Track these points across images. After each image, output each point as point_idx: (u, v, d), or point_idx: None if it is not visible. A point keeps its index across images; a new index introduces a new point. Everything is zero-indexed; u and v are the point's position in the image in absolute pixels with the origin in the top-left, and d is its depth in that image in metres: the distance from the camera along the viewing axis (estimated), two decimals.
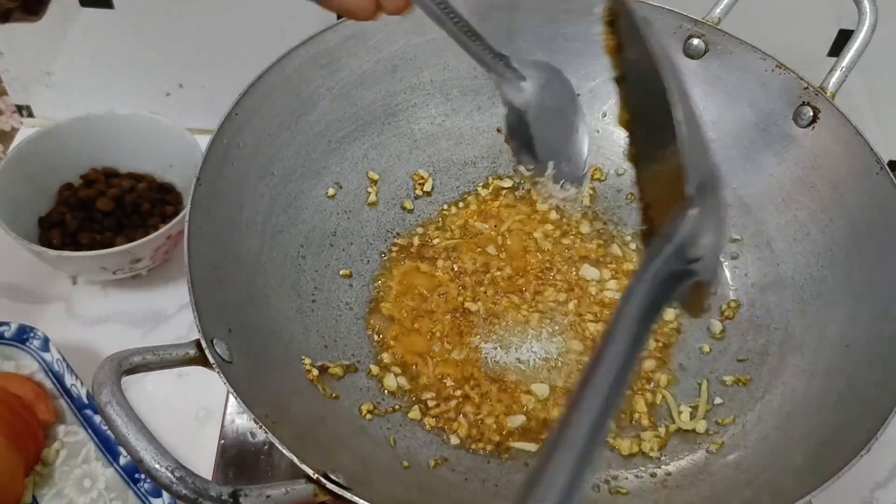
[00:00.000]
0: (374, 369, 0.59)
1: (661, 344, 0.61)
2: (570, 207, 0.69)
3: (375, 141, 0.68)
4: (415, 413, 0.57)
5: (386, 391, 0.58)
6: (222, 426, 0.62)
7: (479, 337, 0.60)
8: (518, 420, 0.57)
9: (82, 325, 0.70)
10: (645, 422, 0.58)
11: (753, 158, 0.65)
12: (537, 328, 0.61)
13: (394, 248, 0.66)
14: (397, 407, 0.57)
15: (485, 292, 0.63)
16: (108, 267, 0.67)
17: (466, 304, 0.62)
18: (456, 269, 0.64)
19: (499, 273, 0.64)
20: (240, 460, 0.61)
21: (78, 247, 0.69)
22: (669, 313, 0.63)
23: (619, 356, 0.34)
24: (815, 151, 0.61)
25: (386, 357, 0.60)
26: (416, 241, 0.66)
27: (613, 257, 0.66)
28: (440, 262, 0.65)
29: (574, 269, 0.65)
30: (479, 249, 0.65)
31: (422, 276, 0.64)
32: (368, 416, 0.56)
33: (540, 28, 0.67)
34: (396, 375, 0.58)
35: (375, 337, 0.61)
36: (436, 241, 0.66)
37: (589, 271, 0.64)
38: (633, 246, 0.67)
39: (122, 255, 0.65)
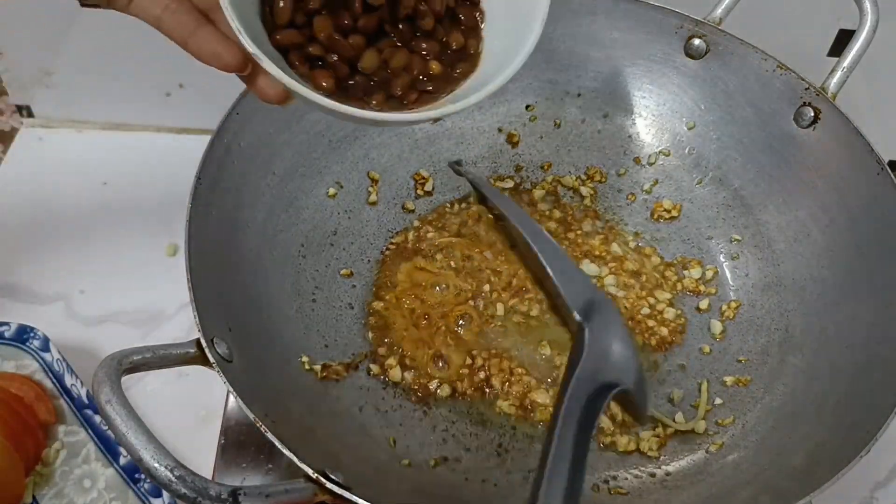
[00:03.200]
0: (375, 368, 0.59)
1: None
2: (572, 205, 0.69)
3: (376, 140, 0.68)
4: (444, 390, 0.58)
5: (386, 390, 0.58)
6: (222, 426, 0.62)
7: (480, 335, 0.60)
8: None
9: (82, 325, 0.70)
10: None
11: (754, 158, 0.65)
12: (539, 323, 0.61)
13: (391, 246, 0.66)
14: (398, 406, 0.57)
15: (486, 289, 0.63)
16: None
17: (467, 302, 0.62)
18: (454, 266, 0.64)
19: (498, 270, 0.64)
20: (240, 460, 0.61)
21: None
22: (670, 312, 0.63)
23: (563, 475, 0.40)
24: (816, 152, 0.61)
25: (387, 355, 0.59)
26: (410, 236, 0.66)
27: (614, 256, 0.66)
28: (438, 259, 0.65)
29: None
30: (476, 249, 0.65)
31: (421, 274, 0.64)
32: (368, 416, 0.56)
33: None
34: (403, 369, 0.58)
35: (376, 336, 0.61)
36: (430, 235, 0.66)
37: (588, 267, 0.64)
38: (632, 245, 0.67)
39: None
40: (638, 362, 0.49)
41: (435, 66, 0.41)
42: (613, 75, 0.69)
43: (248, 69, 0.39)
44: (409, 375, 0.58)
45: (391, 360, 0.59)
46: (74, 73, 0.82)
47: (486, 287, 0.63)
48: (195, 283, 0.48)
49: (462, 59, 0.42)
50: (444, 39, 0.41)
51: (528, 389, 0.58)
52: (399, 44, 0.41)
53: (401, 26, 0.41)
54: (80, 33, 0.78)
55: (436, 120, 0.41)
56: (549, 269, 0.56)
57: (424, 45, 0.41)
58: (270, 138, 0.60)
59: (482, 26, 0.43)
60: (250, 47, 0.36)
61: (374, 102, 0.39)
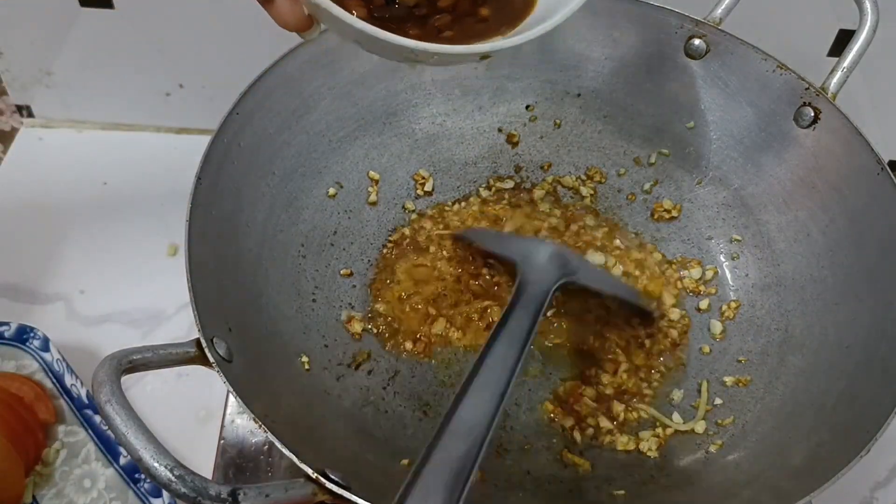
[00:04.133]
0: (375, 368, 0.59)
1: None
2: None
3: (376, 140, 0.68)
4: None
5: (386, 391, 0.58)
6: (222, 426, 0.62)
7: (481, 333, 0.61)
8: None
9: (82, 325, 0.70)
10: (645, 416, 0.58)
11: (754, 159, 0.65)
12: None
13: (390, 243, 0.66)
14: (399, 406, 0.57)
15: (488, 284, 0.63)
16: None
17: (466, 297, 0.62)
18: (453, 261, 0.64)
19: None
20: (240, 460, 0.61)
21: None
22: (675, 312, 0.63)
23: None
24: (816, 152, 0.61)
25: (388, 351, 0.60)
26: (407, 231, 0.67)
27: (616, 247, 0.66)
28: (436, 253, 0.65)
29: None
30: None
31: (421, 271, 0.64)
32: (368, 416, 0.56)
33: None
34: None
35: (376, 335, 0.61)
36: (427, 227, 0.67)
37: (594, 256, 0.65)
38: (636, 241, 0.67)
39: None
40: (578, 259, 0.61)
41: (484, 11, 0.39)
42: (613, 75, 0.69)
43: None
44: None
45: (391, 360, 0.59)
46: (74, 73, 0.82)
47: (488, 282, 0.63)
48: (195, 283, 0.48)
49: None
50: None
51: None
52: None
53: None
54: (80, 33, 0.78)
55: (484, 56, 0.37)
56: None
57: None
58: (270, 138, 0.60)
59: None
60: None
61: (411, 34, 0.35)
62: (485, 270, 0.64)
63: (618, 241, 0.66)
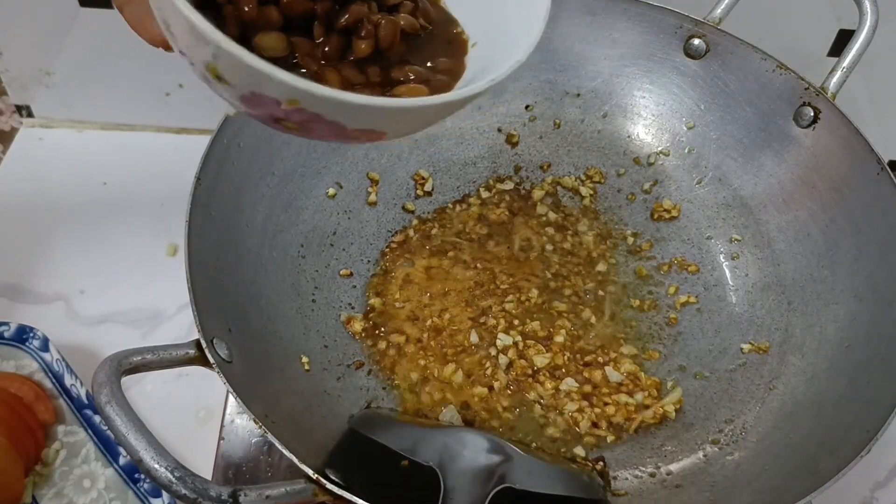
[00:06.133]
0: (376, 368, 0.59)
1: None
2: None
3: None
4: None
5: (386, 391, 0.58)
6: (222, 426, 0.62)
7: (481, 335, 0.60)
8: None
9: (82, 325, 0.70)
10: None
11: (754, 158, 0.65)
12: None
13: (393, 244, 0.66)
14: (399, 406, 0.57)
15: (490, 286, 0.63)
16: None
17: (466, 300, 0.62)
18: (455, 263, 0.64)
19: (503, 266, 0.64)
20: (239, 460, 0.61)
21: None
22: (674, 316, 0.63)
23: None
24: (816, 152, 0.61)
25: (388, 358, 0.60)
26: (411, 233, 0.66)
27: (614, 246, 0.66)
28: (437, 258, 0.65)
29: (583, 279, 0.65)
30: (479, 249, 0.65)
31: (421, 273, 0.64)
32: (368, 415, 0.56)
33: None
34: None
35: (376, 334, 0.61)
36: (433, 232, 0.66)
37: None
38: (632, 242, 0.67)
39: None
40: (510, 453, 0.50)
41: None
42: (613, 75, 0.69)
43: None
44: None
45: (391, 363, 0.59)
46: (74, 73, 0.82)
47: (490, 285, 0.63)
48: (195, 283, 0.48)
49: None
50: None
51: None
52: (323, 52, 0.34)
53: (332, 34, 0.34)
54: (80, 33, 0.78)
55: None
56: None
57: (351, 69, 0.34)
58: (270, 138, 0.60)
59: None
60: None
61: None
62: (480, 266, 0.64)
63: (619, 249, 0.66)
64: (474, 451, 0.49)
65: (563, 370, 0.59)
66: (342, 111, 0.30)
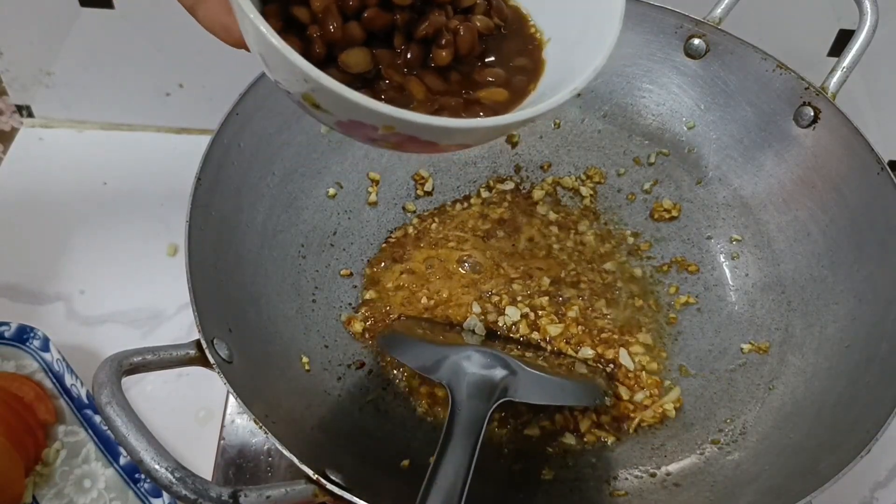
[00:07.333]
0: (376, 368, 0.59)
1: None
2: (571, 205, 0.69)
3: None
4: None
5: (386, 390, 0.58)
6: (222, 426, 0.62)
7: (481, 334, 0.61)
8: None
9: (82, 325, 0.70)
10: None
11: (754, 158, 0.65)
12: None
13: (391, 239, 0.66)
14: (399, 406, 0.57)
15: (494, 272, 0.63)
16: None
17: (467, 283, 0.62)
18: (456, 251, 0.64)
19: (510, 261, 0.64)
20: (240, 460, 0.61)
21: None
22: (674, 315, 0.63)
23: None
24: (816, 151, 0.61)
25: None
26: (410, 230, 0.66)
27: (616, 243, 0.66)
28: (436, 249, 0.65)
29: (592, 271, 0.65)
30: (483, 242, 0.65)
31: (419, 264, 0.64)
32: (368, 416, 0.56)
33: None
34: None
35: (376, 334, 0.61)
36: (433, 227, 0.67)
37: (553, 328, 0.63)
38: (632, 242, 0.67)
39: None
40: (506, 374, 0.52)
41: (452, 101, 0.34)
42: (613, 75, 0.69)
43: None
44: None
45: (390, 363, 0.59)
46: (74, 73, 0.82)
47: (490, 282, 0.63)
48: (195, 283, 0.48)
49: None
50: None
51: None
52: (400, 64, 0.35)
53: (410, 48, 0.35)
54: (80, 33, 0.78)
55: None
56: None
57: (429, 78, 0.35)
58: (270, 138, 0.60)
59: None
60: None
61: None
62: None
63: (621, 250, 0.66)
64: (481, 367, 0.52)
65: (578, 342, 0.59)
66: (437, 134, 0.32)
